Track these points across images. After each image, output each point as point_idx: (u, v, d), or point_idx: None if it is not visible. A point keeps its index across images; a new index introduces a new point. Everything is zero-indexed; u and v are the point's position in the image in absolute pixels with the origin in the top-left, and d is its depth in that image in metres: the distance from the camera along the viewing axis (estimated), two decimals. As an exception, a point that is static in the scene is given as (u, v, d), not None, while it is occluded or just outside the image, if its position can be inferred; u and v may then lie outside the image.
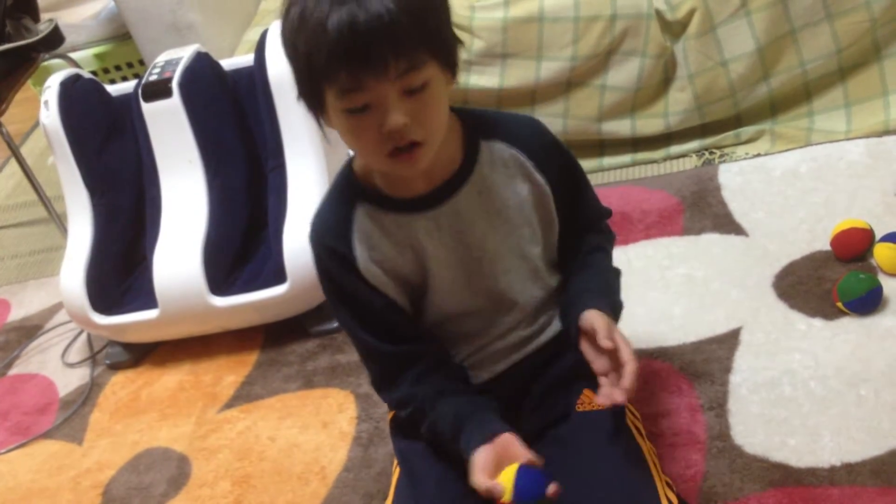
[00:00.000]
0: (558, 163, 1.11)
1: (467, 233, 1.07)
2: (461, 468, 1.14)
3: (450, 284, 1.10)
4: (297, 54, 0.92)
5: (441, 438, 1.09)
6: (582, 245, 1.17)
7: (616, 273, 1.19)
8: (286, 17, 0.93)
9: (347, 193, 1.07)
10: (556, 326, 1.17)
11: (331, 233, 1.06)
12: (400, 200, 1.05)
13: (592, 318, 1.05)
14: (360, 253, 1.05)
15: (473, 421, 1.05)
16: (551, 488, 0.96)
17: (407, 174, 1.01)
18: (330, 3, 0.88)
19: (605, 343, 1.01)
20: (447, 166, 1.05)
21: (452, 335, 1.15)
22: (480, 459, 1.00)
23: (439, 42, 0.94)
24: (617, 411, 1.15)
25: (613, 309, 1.11)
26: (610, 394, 1.00)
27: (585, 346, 1.06)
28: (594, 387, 1.16)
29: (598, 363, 1.05)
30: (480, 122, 1.07)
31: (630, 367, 1.00)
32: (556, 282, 1.17)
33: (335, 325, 1.76)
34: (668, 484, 1.12)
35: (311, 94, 0.95)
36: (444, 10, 0.96)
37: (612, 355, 1.03)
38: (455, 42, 0.97)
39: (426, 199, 1.05)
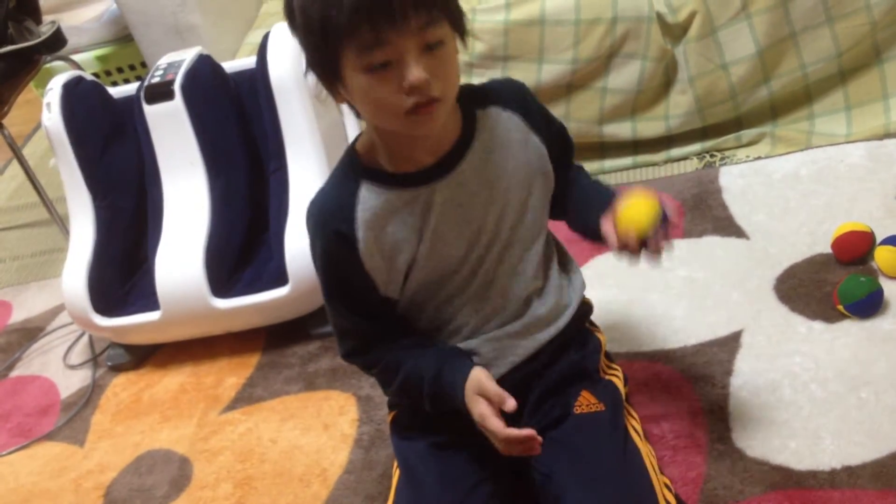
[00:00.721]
0: (548, 124, 1.13)
1: (469, 205, 1.07)
2: (461, 468, 1.15)
3: (446, 259, 1.10)
4: (310, 19, 0.92)
5: (416, 384, 1.11)
6: (572, 180, 1.21)
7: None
8: None
9: (351, 173, 1.07)
10: (547, 333, 1.17)
11: (333, 213, 1.06)
12: (404, 175, 1.05)
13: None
14: (363, 235, 1.05)
15: (456, 356, 1.10)
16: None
17: (423, 132, 1.00)
18: None
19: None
20: (449, 137, 1.06)
21: (444, 331, 1.15)
22: (482, 373, 1.06)
23: (452, 3, 0.97)
24: (615, 412, 1.15)
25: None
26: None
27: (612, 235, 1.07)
28: (592, 389, 1.17)
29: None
30: (473, 93, 1.09)
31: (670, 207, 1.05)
32: (546, 283, 1.18)
33: (336, 327, 1.76)
34: (666, 486, 1.12)
35: (327, 59, 0.95)
36: None
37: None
38: (461, 9, 0.99)
39: (431, 171, 1.05)
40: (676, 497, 1.14)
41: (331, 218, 1.06)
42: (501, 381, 1.16)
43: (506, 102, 1.10)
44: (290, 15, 0.96)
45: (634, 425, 1.18)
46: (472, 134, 1.07)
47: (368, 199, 1.05)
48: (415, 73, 0.92)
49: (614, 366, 1.27)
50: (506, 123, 1.09)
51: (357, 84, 0.95)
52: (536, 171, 1.11)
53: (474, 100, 1.08)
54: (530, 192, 1.12)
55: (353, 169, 1.07)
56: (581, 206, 1.17)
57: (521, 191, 1.10)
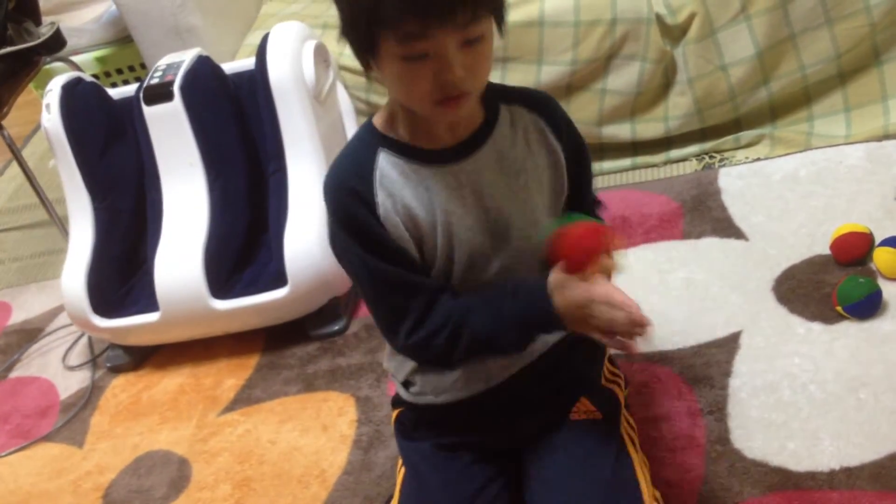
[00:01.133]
0: (571, 138, 1.12)
1: (485, 193, 1.06)
2: (466, 470, 1.14)
3: (466, 243, 1.07)
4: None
5: (495, 319, 1.03)
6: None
7: None
8: None
9: (370, 142, 1.06)
10: (549, 339, 1.15)
11: (352, 174, 1.04)
12: (422, 151, 1.04)
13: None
14: (382, 199, 1.03)
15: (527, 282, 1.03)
16: None
17: (447, 120, 1.01)
18: None
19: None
20: (470, 123, 1.05)
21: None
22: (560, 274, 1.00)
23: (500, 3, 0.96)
24: (612, 421, 1.15)
25: None
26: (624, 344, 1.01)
27: None
28: (590, 395, 1.17)
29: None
30: (500, 89, 1.09)
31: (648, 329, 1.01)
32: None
33: (336, 328, 1.76)
34: (656, 498, 1.12)
35: (365, 37, 0.94)
36: None
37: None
38: (505, 1, 0.98)
39: (448, 153, 1.05)
40: None
41: (348, 179, 1.04)
42: (508, 384, 1.16)
43: (533, 105, 1.09)
44: None
45: (630, 434, 1.18)
46: (492, 126, 1.06)
47: (386, 165, 1.04)
48: (455, 71, 0.92)
49: (617, 372, 1.27)
50: (528, 123, 1.08)
51: (391, 68, 0.94)
52: (554, 176, 1.10)
53: (501, 95, 1.08)
54: (548, 194, 1.11)
55: (372, 137, 1.06)
56: None
57: (540, 190, 1.09)
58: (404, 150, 1.04)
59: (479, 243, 1.07)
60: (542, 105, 1.10)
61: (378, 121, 1.07)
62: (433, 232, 1.05)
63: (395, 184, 1.03)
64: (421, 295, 1.05)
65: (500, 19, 0.98)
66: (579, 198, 1.14)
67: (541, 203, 1.09)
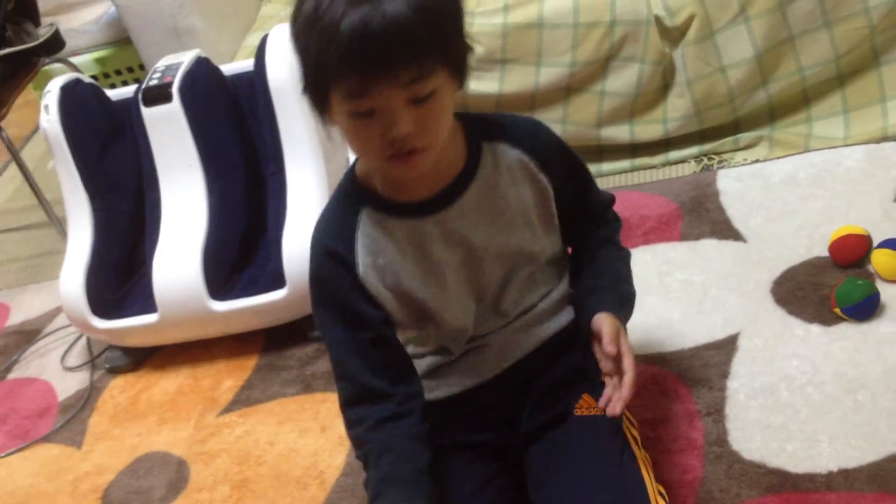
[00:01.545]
0: (562, 163, 1.11)
1: (471, 236, 1.06)
2: (464, 471, 1.14)
3: (454, 288, 1.09)
4: (307, 52, 0.91)
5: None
6: (590, 239, 1.19)
7: (625, 259, 1.21)
8: (299, 11, 0.91)
9: (352, 197, 1.06)
10: (550, 328, 1.17)
11: (333, 234, 1.05)
12: (405, 205, 1.04)
13: (601, 322, 1.08)
14: (362, 259, 1.04)
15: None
16: None
17: (405, 177, 1.01)
18: (345, 2, 0.85)
19: (609, 349, 1.05)
20: (451, 169, 1.04)
21: (448, 332, 1.14)
22: None
23: (452, 50, 0.94)
24: (614, 418, 1.15)
25: (623, 303, 1.14)
26: (608, 402, 1.05)
27: (596, 347, 1.09)
28: (593, 391, 1.17)
29: (605, 364, 1.08)
30: (483, 124, 1.07)
31: (628, 378, 1.04)
32: (554, 287, 1.17)
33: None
34: (661, 493, 1.12)
35: (317, 92, 0.94)
36: (459, 17, 0.96)
37: (617, 359, 1.06)
38: (466, 50, 0.97)
39: (430, 203, 1.04)
40: None
41: (330, 239, 1.05)
42: (505, 377, 1.16)
43: (517, 140, 1.07)
44: (292, 33, 0.94)
45: (633, 431, 1.18)
46: (475, 168, 1.05)
47: (368, 223, 1.04)
48: (398, 129, 0.90)
49: None
50: (511, 161, 1.07)
51: (342, 123, 0.95)
52: (543, 208, 1.10)
53: (483, 132, 1.06)
54: (534, 229, 1.11)
55: (354, 192, 1.06)
56: (583, 297, 1.16)
57: (527, 224, 1.09)
58: (385, 205, 1.04)
59: (465, 289, 1.09)
60: (527, 138, 1.08)
61: (360, 170, 1.07)
62: (417, 285, 1.07)
63: (376, 241, 1.04)
64: (367, 394, 1.09)
65: (458, 70, 0.95)
66: (583, 211, 1.16)
67: (529, 235, 1.10)
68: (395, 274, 1.06)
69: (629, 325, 1.50)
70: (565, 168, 1.11)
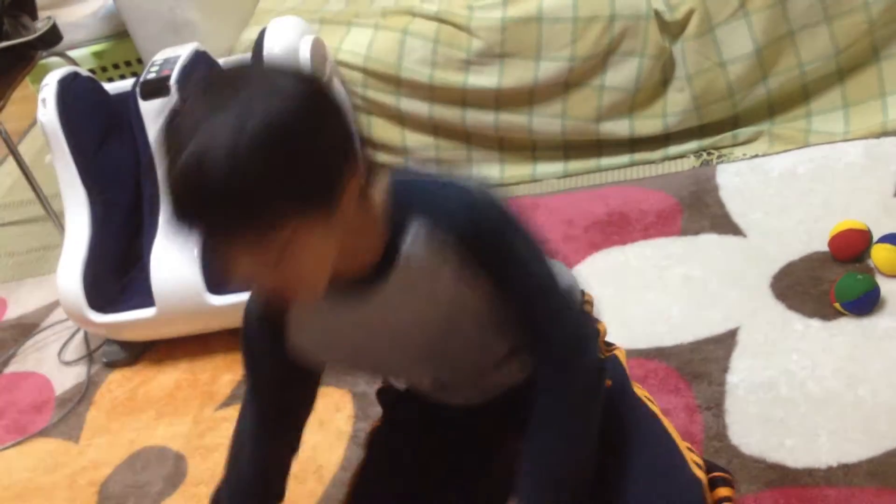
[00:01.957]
0: (488, 246, 0.89)
1: (398, 323, 0.94)
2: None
3: (386, 365, 1.08)
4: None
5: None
6: (540, 393, 0.93)
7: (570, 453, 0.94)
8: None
9: None
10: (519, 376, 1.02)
11: (267, 306, 1.02)
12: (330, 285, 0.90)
13: None
14: (294, 332, 1.00)
15: None
16: None
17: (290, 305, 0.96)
18: (172, 153, 0.74)
19: None
20: (368, 259, 0.90)
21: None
22: None
23: (306, 192, 0.76)
24: (624, 384, 1.10)
25: (558, 487, 0.93)
26: None
27: None
28: None
29: None
30: (406, 204, 0.89)
31: None
32: (508, 371, 1.02)
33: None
34: (689, 448, 1.05)
35: None
36: (316, 143, 0.77)
37: None
38: (340, 170, 0.79)
39: (351, 291, 0.91)
40: (701, 457, 1.08)
41: (262, 308, 1.04)
42: (472, 413, 1.08)
43: (445, 224, 0.87)
44: None
45: (646, 394, 1.12)
46: (394, 256, 0.89)
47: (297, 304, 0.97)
48: (259, 287, 0.84)
49: (613, 346, 1.18)
50: (435, 251, 0.88)
51: None
52: (471, 300, 0.91)
53: (408, 210, 0.88)
54: (472, 325, 0.95)
55: None
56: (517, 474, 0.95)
57: (464, 312, 0.93)
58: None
59: (404, 366, 1.05)
60: (461, 222, 0.88)
61: None
62: (347, 363, 1.07)
63: (302, 317, 0.98)
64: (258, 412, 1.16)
65: (324, 203, 0.77)
66: (526, 315, 0.92)
67: (468, 324, 0.94)
68: (325, 347, 1.02)
69: (629, 319, 1.49)
70: (490, 253, 0.89)
